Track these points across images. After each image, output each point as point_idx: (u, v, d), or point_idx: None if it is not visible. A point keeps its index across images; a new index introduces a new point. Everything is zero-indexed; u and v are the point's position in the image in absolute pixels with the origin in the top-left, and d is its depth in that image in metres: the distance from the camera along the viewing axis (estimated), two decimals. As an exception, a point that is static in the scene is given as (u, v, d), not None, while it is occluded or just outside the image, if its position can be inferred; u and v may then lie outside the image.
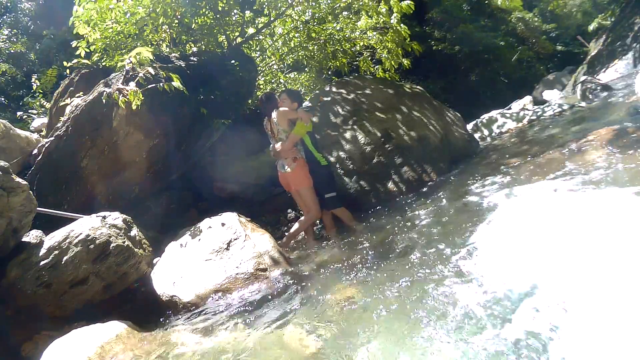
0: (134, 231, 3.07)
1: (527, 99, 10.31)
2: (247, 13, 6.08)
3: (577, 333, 1.68)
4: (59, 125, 4.23)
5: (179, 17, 5.16)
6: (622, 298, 1.81)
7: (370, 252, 3.17)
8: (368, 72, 6.67)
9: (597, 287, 1.92)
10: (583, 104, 7.50)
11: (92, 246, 2.65)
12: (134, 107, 3.69)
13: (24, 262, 2.63)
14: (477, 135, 7.13)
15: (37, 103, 6.83)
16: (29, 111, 6.76)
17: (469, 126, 7.29)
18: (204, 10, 5.36)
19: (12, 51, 11.00)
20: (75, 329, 2.36)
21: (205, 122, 4.76)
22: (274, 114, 3.77)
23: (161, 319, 2.80)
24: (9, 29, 11.81)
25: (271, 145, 3.93)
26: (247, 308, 2.73)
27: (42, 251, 2.63)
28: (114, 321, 2.43)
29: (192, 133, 4.74)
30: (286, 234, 4.33)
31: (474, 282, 2.28)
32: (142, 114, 3.98)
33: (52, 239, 2.70)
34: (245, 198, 5.13)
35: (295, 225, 3.88)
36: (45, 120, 5.77)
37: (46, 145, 4.15)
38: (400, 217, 3.78)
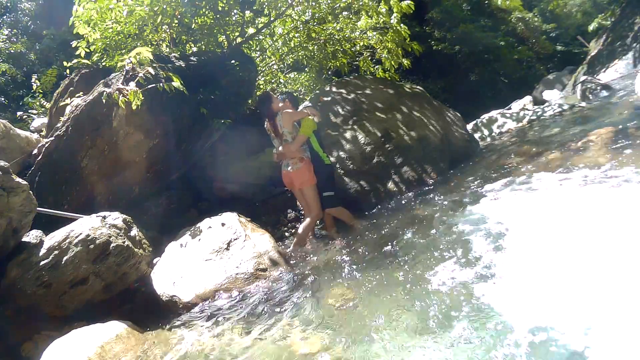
0: (134, 231, 3.07)
1: (527, 99, 10.30)
2: (247, 13, 6.08)
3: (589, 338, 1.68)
4: (59, 125, 4.23)
5: (178, 17, 5.16)
6: (624, 297, 1.81)
7: (370, 252, 3.17)
8: (368, 72, 6.67)
9: (596, 288, 1.92)
10: (583, 104, 7.50)
11: (92, 246, 2.65)
12: (134, 107, 3.68)
13: (24, 262, 2.63)
14: (477, 135, 7.13)
15: (37, 103, 6.83)
16: (29, 111, 6.76)
17: (469, 126, 7.28)
18: (204, 10, 5.36)
19: (12, 51, 10.99)
20: (75, 329, 2.36)
21: (205, 122, 4.76)
22: (278, 116, 3.76)
23: (161, 319, 2.80)
24: (9, 29, 11.80)
25: (275, 148, 3.91)
26: (247, 308, 2.73)
27: (42, 251, 2.63)
28: (114, 321, 2.43)
29: (192, 133, 4.74)
30: (286, 234, 4.33)
31: (473, 283, 2.28)
32: (142, 114, 3.97)
33: (52, 239, 2.70)
34: (245, 198, 5.13)
35: (300, 231, 3.85)
36: (45, 120, 5.77)
37: (46, 145, 4.15)
38: (400, 217, 3.78)
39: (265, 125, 3.93)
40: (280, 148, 3.80)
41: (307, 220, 3.83)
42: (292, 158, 3.75)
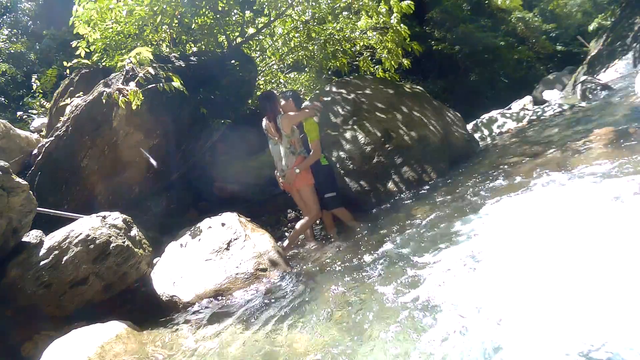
0: (134, 231, 3.06)
1: (527, 99, 10.30)
2: (247, 13, 6.09)
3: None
4: (59, 125, 4.23)
5: (178, 17, 5.16)
6: (625, 297, 1.81)
7: (369, 253, 3.17)
8: (368, 72, 6.67)
9: (596, 289, 1.92)
10: (583, 104, 7.51)
11: (92, 246, 2.64)
12: (134, 107, 3.69)
13: (24, 262, 2.62)
14: (477, 135, 7.14)
15: (37, 103, 6.84)
16: (29, 111, 6.76)
17: (469, 126, 7.29)
18: (204, 10, 5.36)
19: (12, 51, 10.99)
20: (75, 329, 2.36)
21: (205, 122, 4.77)
22: (278, 119, 3.71)
23: (161, 319, 2.80)
24: (9, 29, 11.80)
25: (270, 146, 3.87)
26: (247, 308, 2.73)
27: (42, 251, 2.63)
28: (114, 321, 2.43)
29: (192, 133, 4.74)
30: (286, 234, 4.33)
31: (473, 283, 2.28)
32: (142, 114, 3.98)
33: (52, 239, 2.70)
34: (245, 198, 5.13)
35: (296, 227, 3.86)
36: (45, 120, 5.77)
37: (46, 145, 4.15)
38: (400, 218, 3.78)
39: (263, 124, 3.89)
40: (284, 163, 3.74)
41: (304, 219, 3.82)
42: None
